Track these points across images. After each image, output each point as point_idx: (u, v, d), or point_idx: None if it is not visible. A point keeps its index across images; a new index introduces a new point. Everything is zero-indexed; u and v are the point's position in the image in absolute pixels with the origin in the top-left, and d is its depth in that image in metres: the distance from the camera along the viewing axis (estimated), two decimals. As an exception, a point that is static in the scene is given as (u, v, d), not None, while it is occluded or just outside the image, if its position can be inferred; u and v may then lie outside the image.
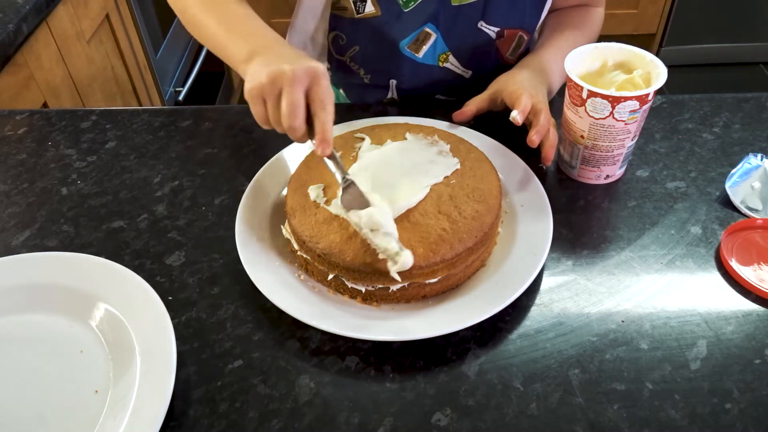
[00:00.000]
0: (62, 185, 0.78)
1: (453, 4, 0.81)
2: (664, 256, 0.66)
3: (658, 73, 0.68)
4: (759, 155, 0.75)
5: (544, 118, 0.72)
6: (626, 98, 0.65)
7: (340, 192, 0.61)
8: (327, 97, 0.60)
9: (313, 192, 0.64)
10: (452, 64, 0.87)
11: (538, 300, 0.62)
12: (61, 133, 0.86)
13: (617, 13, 2.39)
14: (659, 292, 0.63)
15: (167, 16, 1.94)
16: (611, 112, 0.66)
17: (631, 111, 0.66)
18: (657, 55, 2.05)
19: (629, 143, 0.70)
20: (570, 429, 0.52)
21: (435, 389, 0.55)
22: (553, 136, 0.73)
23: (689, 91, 0.80)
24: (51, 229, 0.72)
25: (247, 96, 0.62)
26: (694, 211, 0.71)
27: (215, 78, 2.22)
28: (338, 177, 0.61)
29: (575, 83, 0.67)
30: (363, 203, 0.59)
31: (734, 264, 0.64)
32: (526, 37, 0.87)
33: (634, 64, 0.72)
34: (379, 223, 0.57)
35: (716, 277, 0.64)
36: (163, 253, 0.68)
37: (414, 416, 0.54)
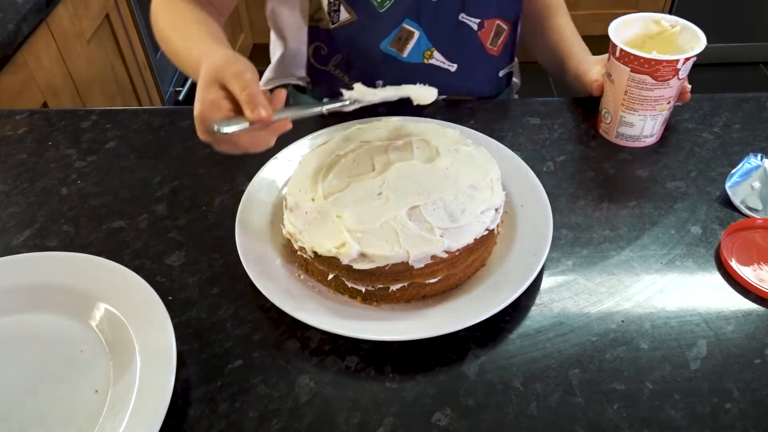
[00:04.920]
0: (62, 185, 0.78)
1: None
2: (664, 256, 0.66)
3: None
4: (759, 155, 0.75)
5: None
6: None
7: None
8: (237, 84, 0.56)
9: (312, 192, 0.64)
10: (437, 59, 0.87)
11: (538, 300, 0.62)
12: (61, 133, 0.86)
13: (617, 12, 2.38)
14: (659, 292, 0.63)
15: (167, 16, 1.93)
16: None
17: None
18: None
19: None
20: (570, 429, 0.52)
21: (435, 389, 0.55)
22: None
23: (689, 91, 0.80)
24: (51, 229, 0.72)
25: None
26: (694, 211, 0.71)
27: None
28: (340, 105, 0.62)
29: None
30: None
31: (734, 264, 0.64)
32: (504, 26, 0.89)
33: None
34: (369, 91, 0.63)
35: (716, 277, 0.64)
36: (163, 253, 0.68)
37: (414, 416, 0.54)
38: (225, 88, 0.57)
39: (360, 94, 0.62)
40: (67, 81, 1.35)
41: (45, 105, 1.27)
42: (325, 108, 0.59)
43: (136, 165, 0.80)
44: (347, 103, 0.61)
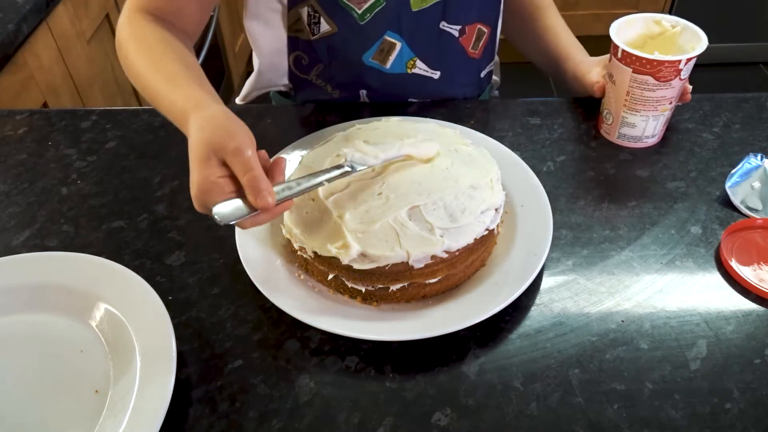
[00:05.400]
0: (62, 185, 0.78)
1: (413, 9, 0.81)
2: (664, 256, 0.66)
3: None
4: (759, 155, 0.75)
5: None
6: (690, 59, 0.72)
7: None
8: (238, 163, 0.53)
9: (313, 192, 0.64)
10: (420, 68, 0.87)
11: (538, 300, 0.62)
12: (61, 133, 0.86)
13: (617, 12, 2.39)
14: (659, 292, 0.63)
15: (167, 16, 1.93)
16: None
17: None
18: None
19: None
20: (570, 429, 0.52)
21: (435, 389, 0.55)
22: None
23: (690, 92, 0.80)
24: (51, 229, 0.72)
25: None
26: (694, 211, 0.71)
27: (215, 78, 2.22)
28: (340, 173, 0.60)
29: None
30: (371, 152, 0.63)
31: (734, 264, 0.64)
32: (485, 30, 0.88)
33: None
34: (371, 152, 0.62)
35: (716, 277, 0.64)
36: (163, 253, 0.68)
37: (414, 416, 0.54)
38: (224, 163, 0.54)
39: (361, 156, 0.61)
40: (67, 81, 1.35)
41: (45, 105, 1.27)
42: (326, 178, 0.58)
43: (136, 165, 0.80)
44: (349, 170, 0.60)
